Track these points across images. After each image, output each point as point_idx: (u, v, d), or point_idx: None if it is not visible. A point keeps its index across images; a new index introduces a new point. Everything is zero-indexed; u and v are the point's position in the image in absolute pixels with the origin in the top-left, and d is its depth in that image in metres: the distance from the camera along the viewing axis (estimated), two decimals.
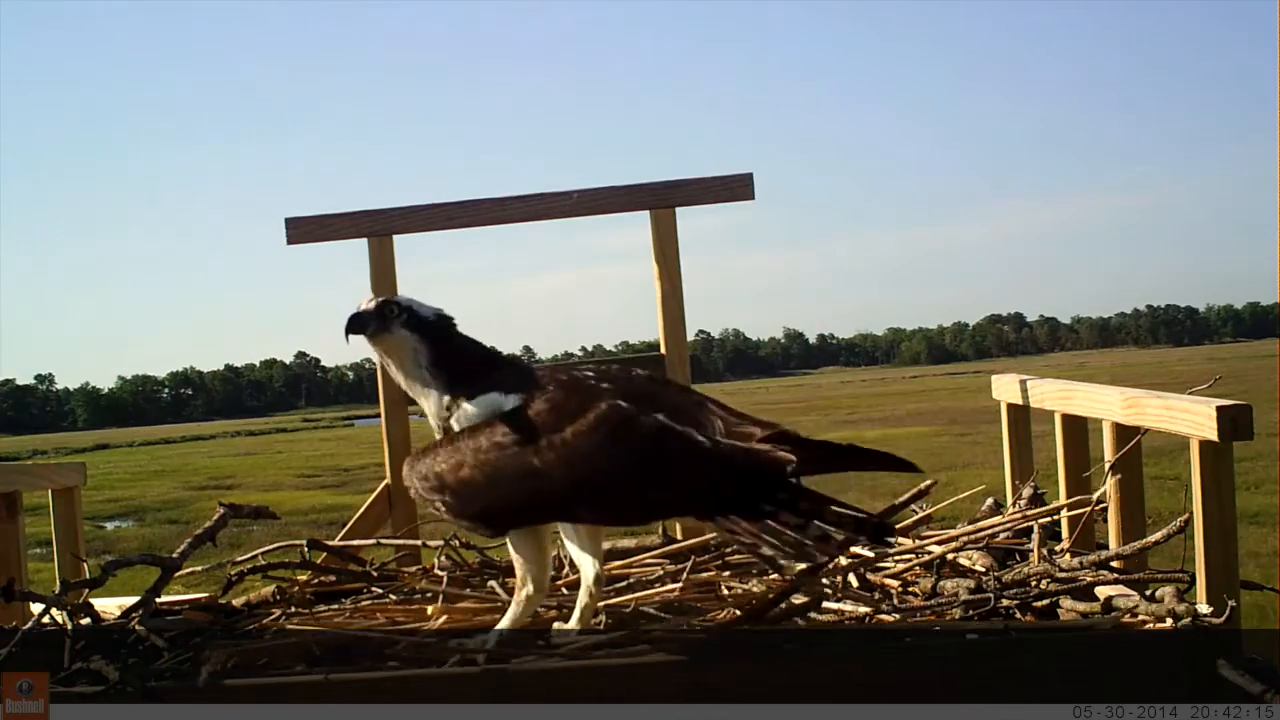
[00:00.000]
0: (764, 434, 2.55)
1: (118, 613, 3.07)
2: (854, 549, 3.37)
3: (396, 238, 4.50)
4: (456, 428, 2.74)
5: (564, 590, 3.27)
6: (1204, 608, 2.55)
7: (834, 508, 2.46)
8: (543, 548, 2.80)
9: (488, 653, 2.62)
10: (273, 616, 3.16)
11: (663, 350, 4.46)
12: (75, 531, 3.91)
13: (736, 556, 3.42)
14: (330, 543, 3.78)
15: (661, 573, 3.34)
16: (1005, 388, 3.93)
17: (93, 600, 3.05)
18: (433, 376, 2.80)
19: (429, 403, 2.82)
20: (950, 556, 3.21)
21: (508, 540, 2.81)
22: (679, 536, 3.73)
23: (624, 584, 3.27)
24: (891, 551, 3.42)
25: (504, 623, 2.78)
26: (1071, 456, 3.44)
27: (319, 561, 3.53)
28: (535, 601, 2.81)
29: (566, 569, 3.44)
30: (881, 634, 2.73)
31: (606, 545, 3.55)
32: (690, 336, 4.85)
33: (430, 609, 3.15)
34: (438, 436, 2.81)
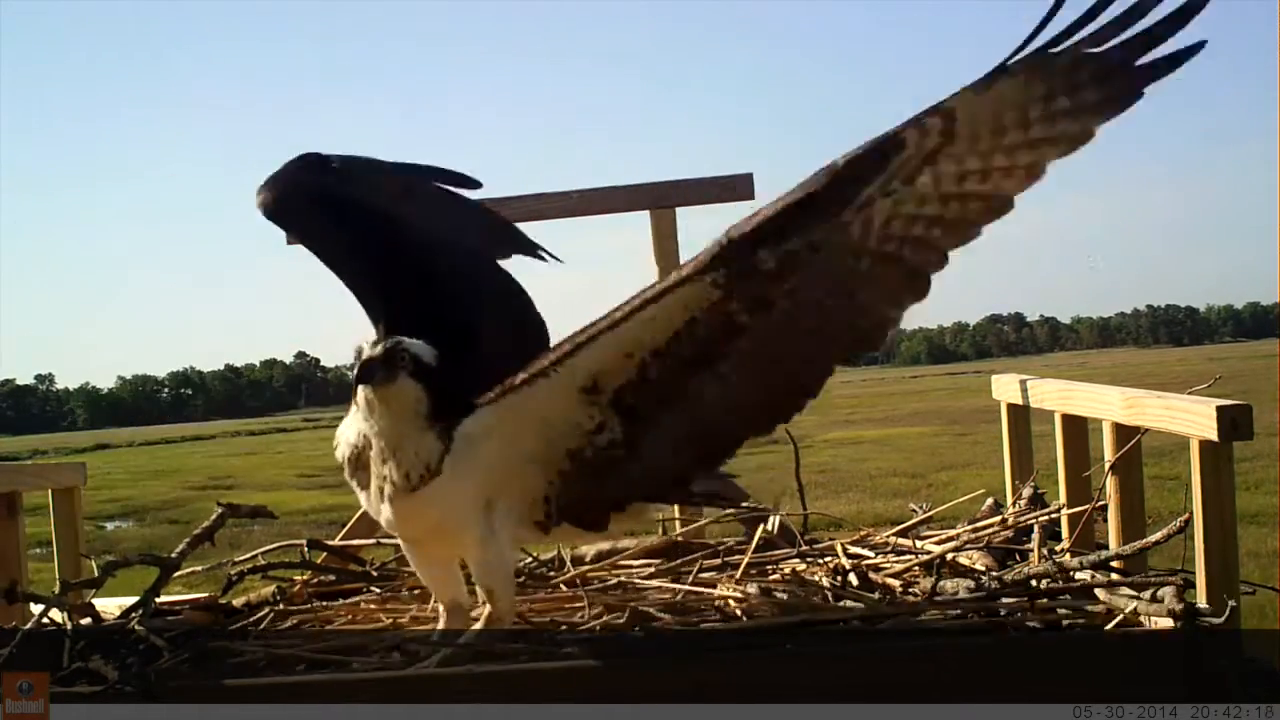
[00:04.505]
0: None
1: (118, 613, 3.07)
2: (854, 549, 3.40)
3: None
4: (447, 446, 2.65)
5: (562, 586, 3.28)
6: (1204, 607, 2.55)
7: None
8: (506, 563, 2.74)
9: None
10: (272, 617, 3.16)
11: None
12: (75, 531, 3.90)
13: (737, 557, 3.43)
14: (330, 543, 3.78)
15: (659, 570, 3.35)
16: (1005, 388, 3.93)
17: (93, 600, 3.05)
18: (429, 424, 2.65)
19: (405, 450, 2.66)
20: (950, 556, 3.21)
21: (476, 559, 2.72)
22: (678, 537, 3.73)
23: (623, 584, 3.27)
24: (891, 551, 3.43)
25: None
26: (1071, 456, 3.44)
27: (319, 561, 3.53)
28: (507, 620, 2.75)
29: (569, 565, 3.44)
30: (881, 634, 2.73)
31: (605, 545, 3.56)
32: None
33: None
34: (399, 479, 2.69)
